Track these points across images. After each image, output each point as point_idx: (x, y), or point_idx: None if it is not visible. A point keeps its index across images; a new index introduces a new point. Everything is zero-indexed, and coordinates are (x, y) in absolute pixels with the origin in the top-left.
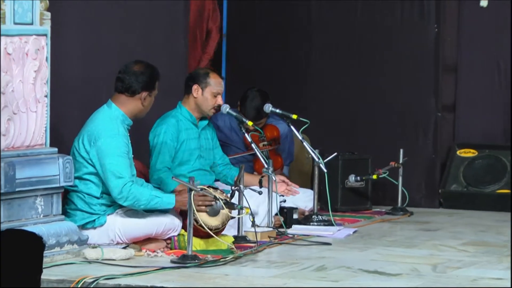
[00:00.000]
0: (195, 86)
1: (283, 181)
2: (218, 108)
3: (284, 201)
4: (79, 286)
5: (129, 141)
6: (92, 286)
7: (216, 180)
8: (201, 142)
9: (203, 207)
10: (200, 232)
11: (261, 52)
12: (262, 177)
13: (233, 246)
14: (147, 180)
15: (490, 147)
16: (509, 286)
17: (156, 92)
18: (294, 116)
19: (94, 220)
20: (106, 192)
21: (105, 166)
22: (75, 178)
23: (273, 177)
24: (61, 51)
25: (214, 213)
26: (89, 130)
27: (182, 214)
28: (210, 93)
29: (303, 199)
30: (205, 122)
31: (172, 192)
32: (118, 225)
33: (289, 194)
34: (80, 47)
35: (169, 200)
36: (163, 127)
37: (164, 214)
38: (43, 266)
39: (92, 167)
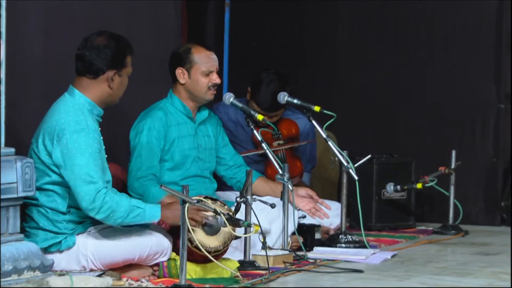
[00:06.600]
0: (178, 70)
1: (311, 197)
2: (216, 87)
3: (304, 217)
4: None
5: (101, 137)
6: None
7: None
8: (199, 140)
9: (199, 223)
10: (196, 256)
11: (273, 25)
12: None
13: (238, 274)
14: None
15: None
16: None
17: (129, 70)
18: (317, 108)
19: (61, 242)
20: (74, 205)
21: (73, 169)
22: (36, 188)
23: (289, 186)
24: (19, 24)
25: (213, 231)
26: (49, 126)
27: (173, 232)
28: (200, 72)
29: (328, 214)
30: (205, 114)
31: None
32: (90, 248)
33: (317, 215)
34: (43, 20)
35: (153, 212)
36: (147, 122)
37: (150, 233)
38: None
39: (56, 175)
